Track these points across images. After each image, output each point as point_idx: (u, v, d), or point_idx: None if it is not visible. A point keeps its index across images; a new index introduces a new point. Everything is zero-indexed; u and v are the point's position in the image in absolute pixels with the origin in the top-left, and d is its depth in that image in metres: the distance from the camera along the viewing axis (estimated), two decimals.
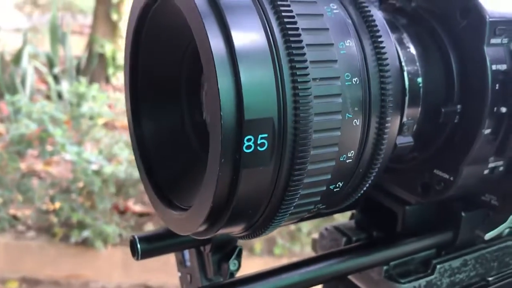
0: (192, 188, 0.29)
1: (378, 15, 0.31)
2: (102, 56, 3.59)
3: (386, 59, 0.30)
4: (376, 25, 0.31)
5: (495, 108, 0.36)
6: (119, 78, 3.60)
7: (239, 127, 0.24)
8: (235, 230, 0.29)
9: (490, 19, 0.35)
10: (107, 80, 3.62)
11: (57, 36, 3.70)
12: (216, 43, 0.24)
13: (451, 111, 0.37)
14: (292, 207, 0.28)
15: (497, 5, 0.36)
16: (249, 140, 0.24)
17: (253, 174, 0.25)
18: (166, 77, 0.31)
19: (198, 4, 0.25)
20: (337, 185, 0.30)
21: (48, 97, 3.24)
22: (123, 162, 2.51)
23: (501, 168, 0.40)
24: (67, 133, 2.41)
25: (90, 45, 3.68)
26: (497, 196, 0.42)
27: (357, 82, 0.28)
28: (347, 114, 0.28)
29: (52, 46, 3.73)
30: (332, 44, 0.27)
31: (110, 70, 3.62)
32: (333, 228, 0.48)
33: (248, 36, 0.25)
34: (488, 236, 0.44)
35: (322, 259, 0.38)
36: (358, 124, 0.28)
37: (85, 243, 2.20)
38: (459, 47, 0.37)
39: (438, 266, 0.43)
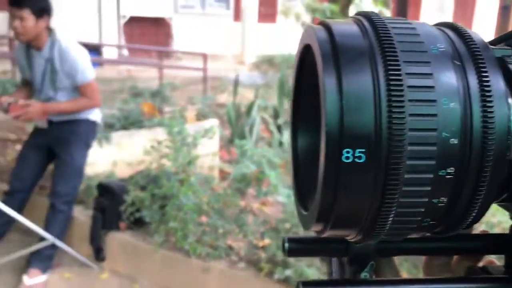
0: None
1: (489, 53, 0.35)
2: None
3: (491, 96, 0.33)
4: (484, 63, 0.34)
5: None
6: None
7: (339, 141, 0.31)
8: (347, 232, 0.36)
9: None
10: None
11: (284, 91, 4.10)
12: (329, 82, 0.32)
13: None
14: (393, 213, 0.33)
15: None
16: (347, 152, 0.31)
17: (352, 180, 0.32)
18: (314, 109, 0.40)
19: (321, 47, 0.33)
20: (440, 200, 0.34)
21: (269, 144, 3.61)
22: None
23: None
24: (281, 176, 2.65)
25: None
26: None
27: (456, 107, 0.32)
28: (443, 133, 0.32)
29: (279, 99, 4.14)
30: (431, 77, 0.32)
31: None
32: None
33: (357, 78, 0.32)
34: None
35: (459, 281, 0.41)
36: (456, 142, 0.32)
37: (286, 282, 2.34)
38: None
39: None
